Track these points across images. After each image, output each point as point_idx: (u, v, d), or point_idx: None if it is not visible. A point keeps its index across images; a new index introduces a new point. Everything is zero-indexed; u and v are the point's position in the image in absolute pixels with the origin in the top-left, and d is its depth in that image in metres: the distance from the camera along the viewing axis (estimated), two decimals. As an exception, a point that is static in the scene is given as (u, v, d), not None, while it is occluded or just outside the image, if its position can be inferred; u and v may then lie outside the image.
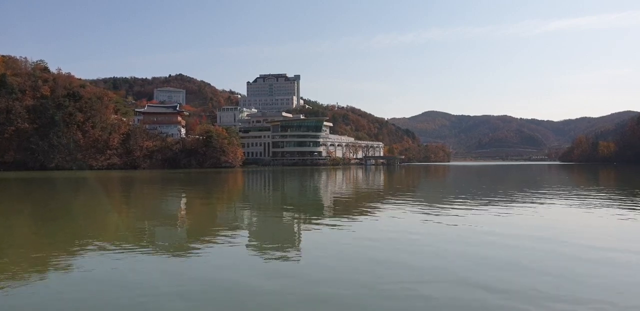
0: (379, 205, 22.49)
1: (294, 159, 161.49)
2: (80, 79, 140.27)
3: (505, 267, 9.12)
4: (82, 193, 35.26)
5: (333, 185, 42.69)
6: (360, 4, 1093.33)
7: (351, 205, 23.02)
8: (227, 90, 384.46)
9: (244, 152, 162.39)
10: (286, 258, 10.31)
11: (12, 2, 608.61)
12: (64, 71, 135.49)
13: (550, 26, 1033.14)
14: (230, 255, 10.68)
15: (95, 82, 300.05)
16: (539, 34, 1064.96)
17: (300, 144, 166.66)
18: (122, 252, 10.87)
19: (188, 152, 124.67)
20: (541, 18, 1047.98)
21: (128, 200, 28.28)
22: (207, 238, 13.10)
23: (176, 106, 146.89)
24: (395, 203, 22.92)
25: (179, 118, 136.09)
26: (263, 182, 50.97)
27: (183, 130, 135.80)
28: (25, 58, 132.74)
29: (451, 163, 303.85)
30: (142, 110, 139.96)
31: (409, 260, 9.70)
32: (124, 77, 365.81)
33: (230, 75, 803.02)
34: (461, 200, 23.52)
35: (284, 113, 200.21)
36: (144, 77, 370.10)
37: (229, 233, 13.97)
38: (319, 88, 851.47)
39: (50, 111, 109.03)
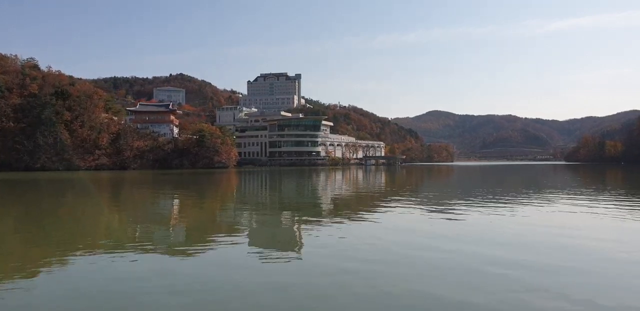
0: (376, 208, 21.04)
1: (291, 159, 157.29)
2: (70, 77, 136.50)
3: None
4: (68, 196, 32.41)
5: (326, 188, 39.43)
6: (362, 5, 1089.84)
7: (348, 208, 21.66)
8: (229, 89, 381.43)
9: (240, 152, 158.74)
10: (284, 261, 10.01)
11: (15, 3, 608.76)
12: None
13: (552, 26, 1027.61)
14: (227, 257, 10.36)
15: (95, 82, 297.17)
16: (541, 33, 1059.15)
17: (298, 144, 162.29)
18: (116, 255, 10.49)
19: (180, 152, 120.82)
20: (542, 18, 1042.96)
21: (117, 203, 26.52)
22: (203, 241, 12.68)
23: (169, 105, 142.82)
24: (392, 206, 21.64)
25: (172, 117, 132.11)
26: (252, 184, 47.12)
27: (176, 130, 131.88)
28: (16, 55, 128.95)
29: (454, 163, 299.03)
30: (133, 109, 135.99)
31: (410, 263, 9.48)
32: (124, 76, 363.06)
33: (232, 75, 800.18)
34: (464, 204, 21.53)
35: (282, 113, 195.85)
36: (145, 77, 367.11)
37: (226, 235, 13.50)
38: (323, 89, 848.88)
39: (36, 110, 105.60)
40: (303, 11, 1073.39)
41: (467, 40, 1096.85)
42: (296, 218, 17.95)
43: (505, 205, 20.81)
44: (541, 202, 22.76)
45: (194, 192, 34.52)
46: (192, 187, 40.36)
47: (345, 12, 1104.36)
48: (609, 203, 21.94)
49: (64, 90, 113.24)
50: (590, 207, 20.11)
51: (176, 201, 26.98)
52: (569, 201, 23.02)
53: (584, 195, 26.91)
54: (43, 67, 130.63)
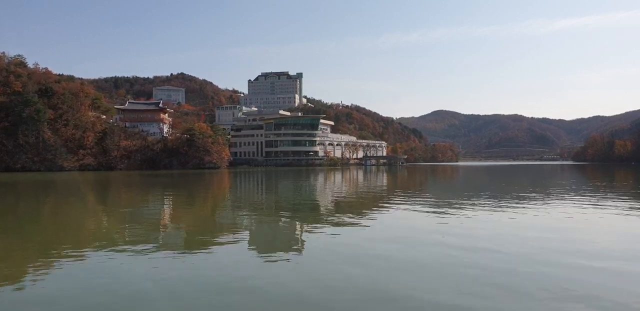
0: (374, 210, 20.13)
1: (288, 159, 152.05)
2: (57, 75, 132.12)
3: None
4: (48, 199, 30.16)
5: (324, 191, 35.82)
6: (365, 5, 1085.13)
7: (346, 211, 20.35)
8: (230, 89, 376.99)
9: (236, 152, 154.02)
10: (282, 263, 9.75)
11: (16, 3, 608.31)
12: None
13: (557, 25, 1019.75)
14: (224, 260, 10.09)
15: (96, 82, 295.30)
16: (547, 32, 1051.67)
17: (295, 143, 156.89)
18: (109, 258, 10.14)
19: (169, 151, 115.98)
20: (547, 17, 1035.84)
21: (101, 206, 25.11)
22: (197, 244, 12.12)
23: (159, 103, 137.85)
24: (390, 208, 20.86)
25: (162, 116, 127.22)
26: (238, 188, 41.97)
27: (166, 129, 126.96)
28: (3, 53, 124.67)
29: (459, 163, 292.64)
30: (122, 107, 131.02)
31: (410, 264, 9.35)
32: (125, 76, 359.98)
33: (235, 75, 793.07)
34: (465, 208, 20.14)
35: (281, 111, 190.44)
36: (146, 76, 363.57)
37: (221, 239, 12.93)
38: (327, 88, 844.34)
39: (18, 108, 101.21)
40: (307, 11, 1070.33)
41: (471, 40, 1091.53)
42: (294, 221, 17.18)
43: (512, 210, 18.89)
44: (557, 206, 20.67)
45: (184, 193, 33.26)
46: (181, 190, 37.47)
47: (348, 12, 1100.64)
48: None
49: (48, 87, 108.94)
50: (611, 212, 18.14)
51: (166, 209, 23.80)
52: (584, 204, 21.27)
53: (600, 199, 23.87)
54: (31, 64, 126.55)
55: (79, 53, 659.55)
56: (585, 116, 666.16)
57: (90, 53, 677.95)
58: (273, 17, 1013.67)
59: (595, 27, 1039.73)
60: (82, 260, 10.05)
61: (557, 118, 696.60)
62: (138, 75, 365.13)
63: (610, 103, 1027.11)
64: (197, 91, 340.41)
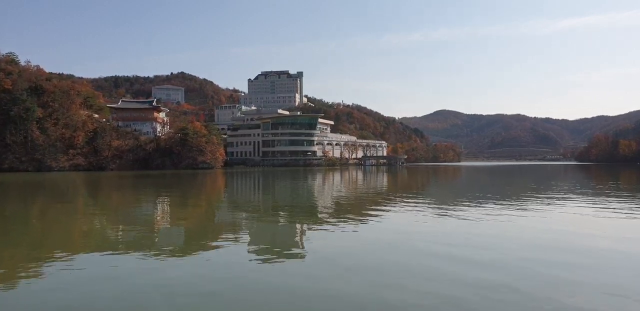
0: (371, 214, 19.05)
1: (285, 159, 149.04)
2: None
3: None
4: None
5: (322, 193, 33.61)
6: (366, 5, 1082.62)
7: (344, 212, 20.24)
8: (231, 88, 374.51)
9: (233, 152, 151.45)
10: (281, 264, 9.77)
11: (16, 3, 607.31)
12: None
13: (559, 25, 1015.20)
14: (220, 261, 10.02)
15: (96, 81, 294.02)
16: (548, 33, 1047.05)
17: (293, 143, 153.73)
18: (104, 259, 10.08)
19: (162, 151, 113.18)
20: (550, 17, 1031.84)
21: (92, 207, 24.51)
22: (194, 246, 12.06)
23: (152, 101, 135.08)
24: (388, 210, 20.28)
25: (155, 115, 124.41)
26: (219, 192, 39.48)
27: (159, 128, 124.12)
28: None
29: (461, 163, 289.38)
30: (114, 105, 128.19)
31: (409, 266, 9.36)
32: (125, 75, 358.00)
33: (235, 74, 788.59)
34: (467, 210, 19.61)
35: (279, 111, 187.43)
36: (146, 76, 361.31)
37: (217, 240, 12.88)
38: (329, 88, 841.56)
39: (6, 106, 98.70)
40: (307, 11, 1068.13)
41: (473, 40, 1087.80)
42: (290, 224, 16.94)
43: (513, 213, 18.19)
44: (561, 209, 19.52)
45: (177, 194, 32.79)
46: (175, 191, 36.34)
47: (349, 12, 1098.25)
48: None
49: (38, 85, 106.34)
50: (620, 216, 16.92)
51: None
52: (588, 207, 20.36)
53: (606, 202, 22.22)
54: (23, 62, 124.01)
55: (79, 53, 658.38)
56: (589, 116, 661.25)
57: (91, 53, 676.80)
58: (273, 17, 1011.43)
59: (596, 27, 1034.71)
60: (75, 260, 9.99)
61: (560, 118, 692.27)
62: (138, 75, 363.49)
63: (613, 103, 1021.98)
64: (197, 90, 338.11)
